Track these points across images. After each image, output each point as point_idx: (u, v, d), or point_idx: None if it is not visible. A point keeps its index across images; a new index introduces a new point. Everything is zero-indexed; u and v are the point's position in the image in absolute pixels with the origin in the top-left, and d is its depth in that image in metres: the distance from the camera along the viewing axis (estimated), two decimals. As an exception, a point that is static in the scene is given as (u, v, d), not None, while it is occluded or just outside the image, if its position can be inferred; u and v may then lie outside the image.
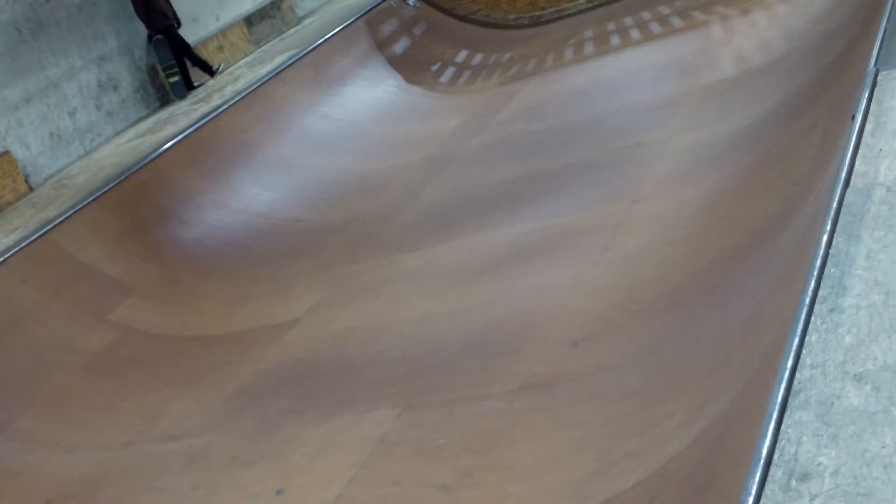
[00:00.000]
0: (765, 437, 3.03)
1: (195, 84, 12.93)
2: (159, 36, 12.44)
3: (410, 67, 13.62)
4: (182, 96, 12.57)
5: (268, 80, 12.00)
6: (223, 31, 14.24)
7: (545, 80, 12.22)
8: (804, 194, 5.41)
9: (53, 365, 7.37)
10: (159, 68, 12.65)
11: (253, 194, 10.14)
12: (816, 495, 2.73)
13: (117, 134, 11.78)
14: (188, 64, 12.88)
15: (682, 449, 4.26)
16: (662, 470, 4.25)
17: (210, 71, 12.97)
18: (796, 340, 3.44)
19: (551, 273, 6.93)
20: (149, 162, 9.94)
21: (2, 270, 8.10)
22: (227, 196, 10.02)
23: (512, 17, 15.29)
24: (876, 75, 5.42)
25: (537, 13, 15.11)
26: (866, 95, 5.20)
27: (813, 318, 3.54)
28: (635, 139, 9.07)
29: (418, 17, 15.10)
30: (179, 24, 12.79)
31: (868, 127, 4.86)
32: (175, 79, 12.66)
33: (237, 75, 12.96)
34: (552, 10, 14.98)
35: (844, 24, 8.79)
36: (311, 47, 13.03)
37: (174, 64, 12.62)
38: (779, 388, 3.22)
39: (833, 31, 9.05)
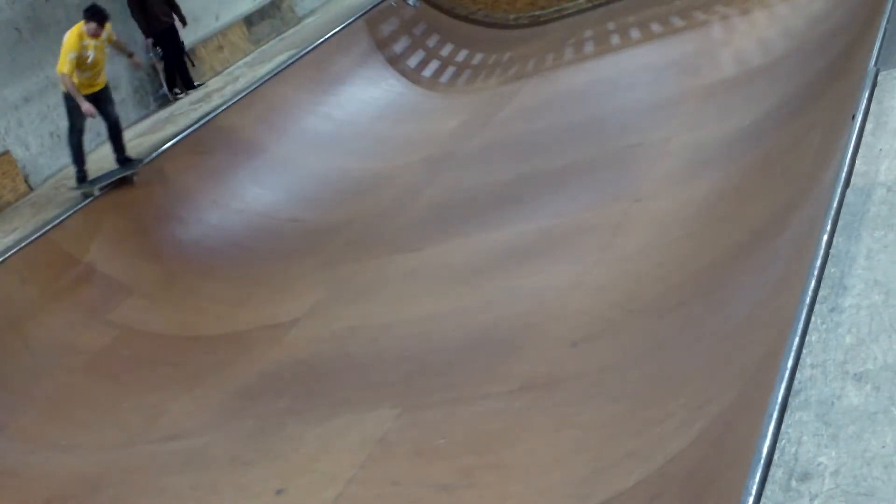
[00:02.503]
0: (765, 436, 3.03)
1: (196, 83, 12.93)
2: (150, 39, 12.38)
3: (410, 67, 13.63)
4: (173, 97, 12.61)
5: (268, 80, 12.00)
6: (223, 31, 14.24)
7: (545, 80, 12.22)
8: (804, 194, 5.41)
9: (53, 365, 7.37)
10: (159, 68, 12.66)
11: (253, 194, 10.15)
12: (817, 495, 2.73)
13: (117, 134, 11.76)
14: (187, 64, 12.87)
15: (682, 449, 4.26)
16: (662, 470, 4.25)
17: (190, 86, 12.90)
18: (796, 340, 3.44)
19: (551, 273, 6.93)
20: (148, 162, 9.94)
21: (2, 270, 8.10)
22: (227, 196, 10.02)
23: (512, 16, 15.29)
24: (876, 75, 5.42)
25: (537, 13, 15.11)
26: (866, 95, 5.20)
27: (813, 318, 3.54)
28: (635, 139, 9.07)
29: (418, 16, 15.09)
30: (184, 23, 12.77)
31: (868, 127, 4.86)
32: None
33: (237, 75, 12.96)
34: (552, 9, 14.98)
35: (844, 24, 8.79)
36: (311, 47, 13.04)
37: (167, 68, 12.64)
38: (779, 388, 3.22)
39: (833, 31, 9.05)
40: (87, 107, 9.09)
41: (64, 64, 8.87)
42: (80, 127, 9.32)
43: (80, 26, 9.03)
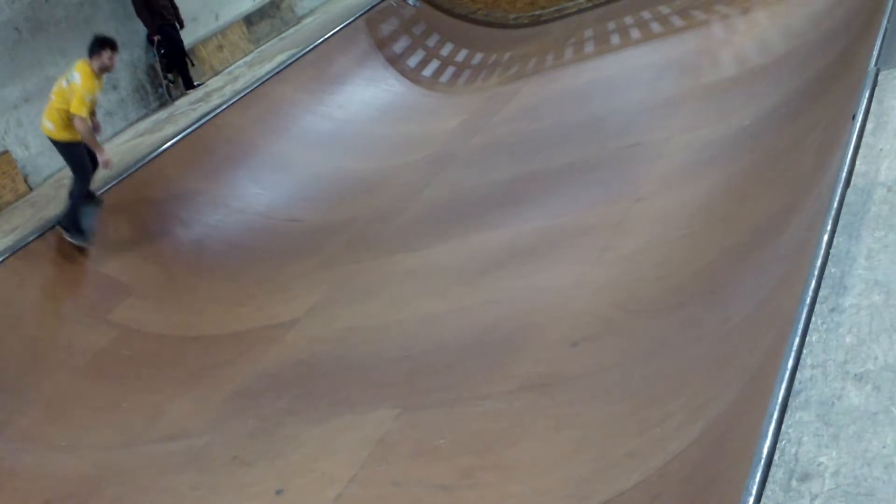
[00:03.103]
0: (765, 437, 3.03)
1: (195, 83, 12.94)
2: (158, 36, 12.46)
3: (410, 67, 13.63)
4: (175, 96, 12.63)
5: (267, 79, 12.00)
6: (223, 31, 14.24)
7: (545, 79, 12.21)
8: (805, 194, 5.41)
9: (53, 365, 7.37)
10: (158, 68, 12.68)
11: (253, 194, 10.14)
12: (817, 495, 2.73)
13: (116, 134, 11.77)
14: (187, 63, 12.89)
15: (682, 449, 4.26)
16: (662, 470, 4.25)
17: (190, 86, 12.91)
18: (797, 340, 3.44)
19: (551, 273, 6.93)
20: (148, 162, 9.94)
21: (2, 270, 8.09)
22: (227, 196, 10.02)
23: (512, 16, 15.29)
24: (876, 75, 5.42)
25: (537, 12, 15.11)
26: (867, 95, 5.21)
27: (813, 318, 3.53)
28: (635, 139, 9.07)
29: (418, 16, 15.10)
30: (182, 25, 12.80)
31: (868, 126, 4.86)
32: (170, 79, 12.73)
33: (237, 75, 12.96)
34: (552, 9, 14.98)
35: (844, 24, 8.79)
36: (311, 47, 13.03)
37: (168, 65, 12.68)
38: (779, 388, 3.22)
39: (833, 30, 9.05)
40: (107, 157, 8.27)
41: (83, 107, 7.90)
42: (91, 175, 8.37)
43: (87, 64, 8.03)
